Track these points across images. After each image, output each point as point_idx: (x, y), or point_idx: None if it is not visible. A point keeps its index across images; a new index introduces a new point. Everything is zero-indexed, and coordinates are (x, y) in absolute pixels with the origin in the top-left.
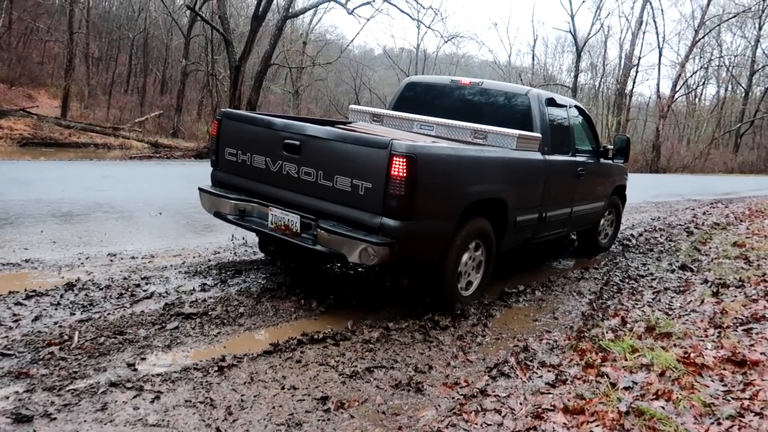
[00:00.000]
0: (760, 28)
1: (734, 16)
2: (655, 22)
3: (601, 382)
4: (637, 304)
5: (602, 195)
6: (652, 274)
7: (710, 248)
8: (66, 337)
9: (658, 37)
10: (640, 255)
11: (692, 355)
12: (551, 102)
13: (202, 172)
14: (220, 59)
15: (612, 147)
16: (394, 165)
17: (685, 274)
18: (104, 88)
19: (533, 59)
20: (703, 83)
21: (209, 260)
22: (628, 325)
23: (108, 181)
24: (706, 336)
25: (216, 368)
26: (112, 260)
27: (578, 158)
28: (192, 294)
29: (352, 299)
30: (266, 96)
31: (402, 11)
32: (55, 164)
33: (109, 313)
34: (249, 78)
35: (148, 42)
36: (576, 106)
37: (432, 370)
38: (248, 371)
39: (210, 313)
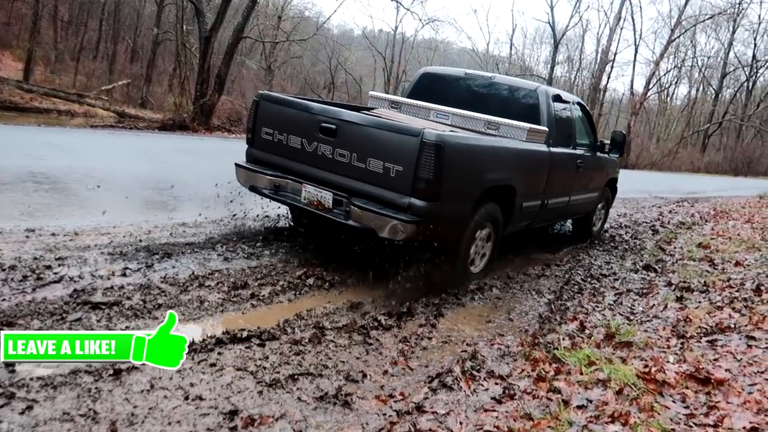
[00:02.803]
0: (733, 32)
1: (710, 18)
2: (633, 18)
3: (552, 399)
4: (597, 307)
5: (597, 186)
6: (615, 273)
7: (675, 248)
8: None
9: (635, 33)
10: (604, 252)
11: (653, 369)
12: (557, 98)
13: (160, 144)
14: (193, 30)
15: (608, 142)
16: (424, 151)
17: (648, 275)
18: (72, 54)
19: (511, 49)
20: (676, 83)
21: (140, 241)
22: (587, 331)
23: (51, 149)
24: (669, 347)
25: (111, 371)
26: (28, 236)
27: (578, 151)
28: (109, 279)
29: (298, 291)
30: (240, 71)
31: None
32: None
33: (3, 299)
34: (221, 50)
35: (119, 8)
36: (578, 103)
37: (366, 379)
38: (150, 376)
39: (124, 302)
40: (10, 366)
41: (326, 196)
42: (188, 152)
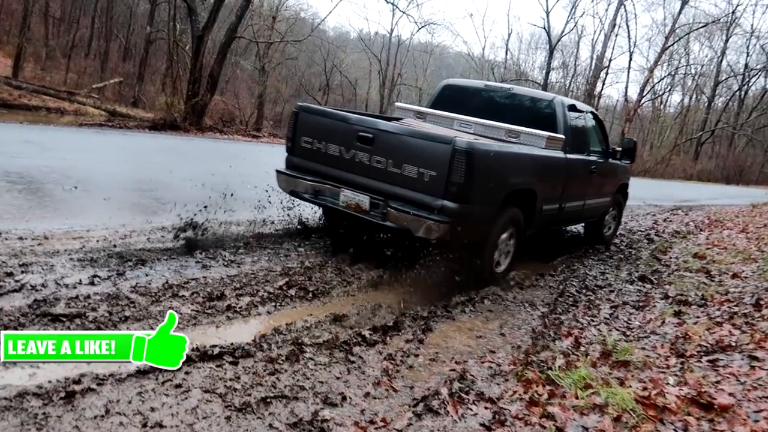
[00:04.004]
0: (726, 41)
1: (703, 26)
2: (627, 25)
3: (545, 427)
4: (593, 321)
5: (609, 191)
6: (610, 284)
7: (671, 258)
8: None
9: (629, 41)
10: (599, 262)
11: (653, 393)
12: (572, 108)
13: (147, 144)
14: (187, 29)
15: (619, 149)
16: (456, 157)
17: (644, 287)
18: (64, 51)
19: (506, 53)
20: (669, 90)
21: (114, 246)
22: (582, 348)
23: (31, 147)
24: (668, 367)
25: (64, 394)
26: None
27: (592, 158)
28: (74, 288)
29: (278, 303)
30: (234, 71)
31: None
32: None
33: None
34: (216, 50)
35: (112, 5)
36: (591, 112)
37: (345, 402)
38: (107, 399)
39: (88, 314)
40: None
41: (363, 200)
42: (175, 153)
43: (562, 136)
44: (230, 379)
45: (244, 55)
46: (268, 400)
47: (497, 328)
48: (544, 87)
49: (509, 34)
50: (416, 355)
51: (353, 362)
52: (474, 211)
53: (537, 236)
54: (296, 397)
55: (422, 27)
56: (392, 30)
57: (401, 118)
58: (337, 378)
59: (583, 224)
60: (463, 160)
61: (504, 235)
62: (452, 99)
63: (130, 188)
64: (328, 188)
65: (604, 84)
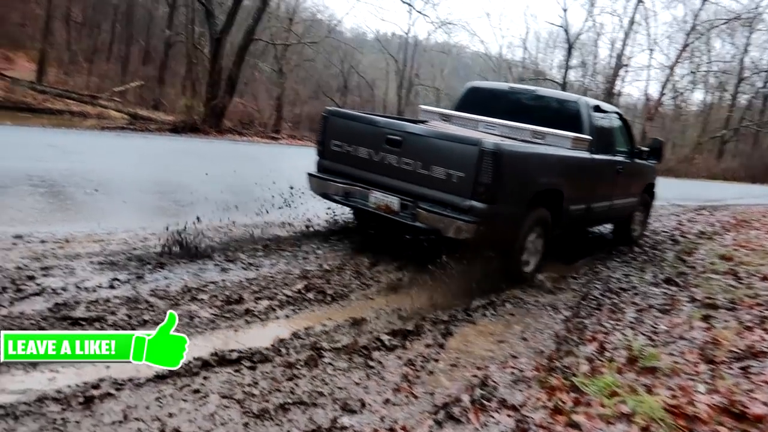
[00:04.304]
0: (749, 37)
1: (725, 23)
2: (647, 23)
3: None
4: (617, 325)
5: (636, 192)
6: (635, 287)
7: (696, 260)
8: None
9: (649, 38)
10: (623, 264)
11: (682, 401)
12: (597, 108)
13: (167, 147)
14: (205, 32)
15: (646, 149)
16: (484, 158)
17: (670, 289)
18: (86, 55)
19: (524, 53)
20: (691, 88)
21: (134, 249)
22: (607, 354)
23: (54, 151)
24: (697, 373)
25: (82, 399)
26: (15, 243)
27: (618, 158)
28: (94, 292)
29: (297, 306)
30: (252, 73)
31: None
32: (4, 129)
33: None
34: (234, 53)
35: (132, 9)
36: (616, 112)
37: (364, 409)
38: (125, 404)
39: (107, 318)
40: None
41: (393, 201)
42: (194, 155)
43: (588, 137)
44: (248, 385)
45: (262, 58)
46: (287, 406)
47: (519, 333)
48: (563, 86)
49: (526, 33)
50: (436, 361)
51: (372, 367)
52: (502, 211)
53: (561, 237)
54: (315, 403)
55: (439, 27)
56: (409, 30)
57: (427, 121)
58: (357, 384)
59: (610, 225)
60: (491, 161)
61: (532, 235)
62: (477, 101)
63: (149, 191)
64: (358, 190)
65: (623, 82)
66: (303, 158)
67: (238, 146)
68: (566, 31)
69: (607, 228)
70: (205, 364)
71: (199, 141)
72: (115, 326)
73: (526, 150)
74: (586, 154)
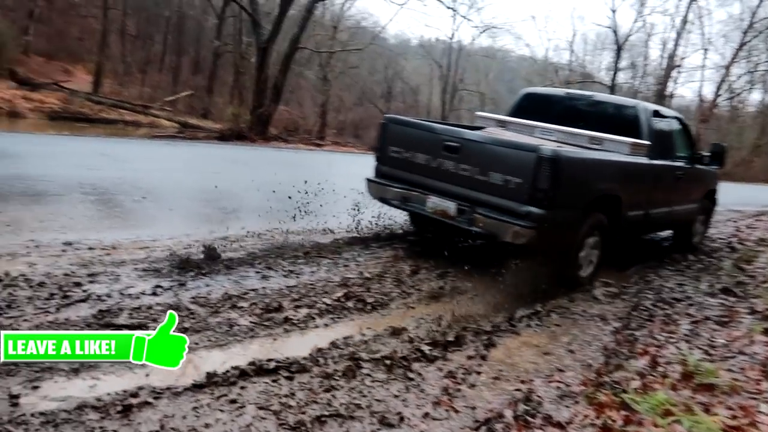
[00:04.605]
0: None
1: None
2: (701, 21)
3: None
4: (671, 338)
5: (696, 198)
6: (689, 297)
7: (756, 269)
8: None
9: (703, 37)
10: (676, 273)
11: (743, 422)
12: (656, 113)
13: (213, 154)
14: (253, 42)
15: (707, 154)
16: (542, 165)
17: (728, 300)
18: (139, 66)
19: (571, 55)
20: (749, 88)
21: (178, 256)
22: (660, 368)
23: (105, 159)
24: (759, 392)
25: (120, 408)
26: (65, 250)
27: (678, 163)
28: (137, 299)
29: (336, 315)
30: (297, 81)
31: None
32: (61, 139)
33: (25, 320)
34: (280, 61)
35: (183, 21)
36: (676, 117)
37: (403, 423)
38: (163, 413)
39: (149, 325)
40: (14, 398)
41: (450, 206)
42: (239, 162)
43: (647, 142)
44: (285, 396)
45: (307, 66)
46: (323, 418)
47: (565, 344)
48: (612, 88)
49: (573, 35)
50: (478, 373)
51: (412, 379)
52: (559, 216)
53: (620, 243)
54: (352, 416)
55: (483, 31)
56: (453, 35)
57: (483, 127)
58: (395, 396)
59: (664, 232)
60: (549, 168)
61: (589, 241)
62: (532, 107)
63: (195, 198)
64: (415, 195)
65: (676, 84)
66: (345, 165)
67: (282, 153)
68: (615, 32)
69: (659, 234)
70: (243, 374)
71: (244, 148)
72: None
73: (584, 156)
74: (644, 160)
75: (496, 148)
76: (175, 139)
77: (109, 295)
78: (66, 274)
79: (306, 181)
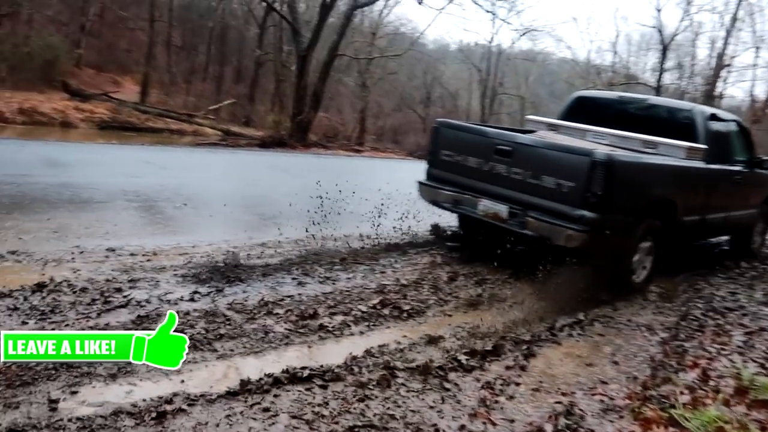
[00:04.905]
0: None
1: None
2: (752, 19)
3: None
4: (723, 350)
5: (756, 203)
6: (743, 307)
7: None
8: None
9: (754, 35)
10: (728, 280)
11: None
12: (713, 117)
13: (253, 161)
14: (293, 50)
15: (767, 158)
16: (595, 169)
17: None
18: (184, 76)
19: (614, 56)
20: None
21: (216, 262)
22: (712, 382)
23: (148, 167)
24: None
25: (155, 414)
26: (107, 256)
27: (736, 168)
28: (175, 305)
29: (372, 323)
30: (337, 88)
31: (475, 2)
32: (109, 148)
33: (66, 324)
34: (320, 69)
35: (226, 32)
36: (734, 120)
37: None
38: (196, 420)
39: (186, 331)
40: (53, 402)
41: (502, 209)
42: (278, 169)
43: (704, 146)
44: (318, 405)
45: (346, 72)
46: (356, 429)
47: (609, 355)
48: (657, 89)
49: (617, 36)
50: (517, 384)
51: (448, 390)
52: (612, 221)
53: (674, 248)
54: (386, 427)
55: (523, 34)
56: (492, 39)
57: (534, 131)
58: (431, 407)
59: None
60: (603, 172)
61: (642, 246)
62: (584, 110)
63: (235, 204)
64: (467, 198)
65: (725, 84)
66: (383, 170)
67: (320, 159)
68: (660, 32)
69: (710, 240)
70: (276, 382)
71: (284, 155)
72: (191, 340)
73: (639, 160)
74: (701, 164)
75: (549, 152)
76: (217, 146)
77: (148, 301)
78: (108, 280)
79: (345, 188)
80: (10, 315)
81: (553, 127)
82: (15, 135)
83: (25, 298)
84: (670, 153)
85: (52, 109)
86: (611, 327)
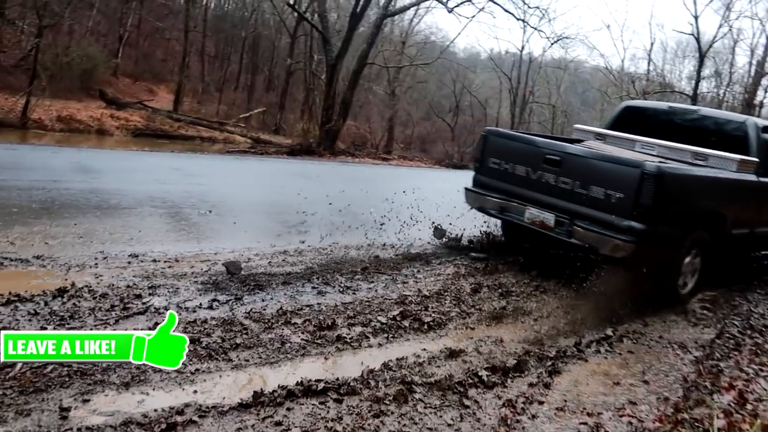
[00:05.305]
0: None
1: None
2: None
3: None
4: (762, 371)
5: None
6: None
7: None
8: (9, 362)
9: None
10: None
11: None
12: (766, 129)
13: (280, 168)
14: (323, 59)
15: None
16: (645, 180)
17: None
18: (217, 85)
19: (649, 64)
20: None
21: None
22: (749, 406)
23: (176, 174)
24: None
25: (165, 425)
26: (130, 262)
27: None
28: (194, 312)
29: (391, 334)
30: (366, 96)
31: (506, 10)
32: (140, 155)
33: (83, 330)
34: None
35: (258, 42)
36: None
37: None
38: None
39: (202, 340)
40: (64, 410)
41: (549, 217)
42: (304, 177)
43: (755, 159)
44: (332, 420)
45: (376, 81)
46: None
47: (639, 374)
48: (694, 98)
49: (652, 44)
50: (541, 403)
51: (467, 407)
52: (660, 232)
53: (724, 260)
54: None
55: (555, 42)
56: (523, 47)
57: (582, 140)
58: (448, 425)
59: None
60: (652, 184)
61: (690, 257)
62: (632, 121)
63: (259, 212)
64: (514, 206)
65: (766, 92)
66: (407, 179)
67: (347, 167)
68: (698, 39)
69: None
70: (290, 394)
71: (311, 163)
72: (207, 349)
73: (689, 173)
74: (752, 177)
75: (599, 162)
76: (246, 154)
77: (167, 308)
78: (128, 286)
79: (370, 196)
80: (30, 320)
81: (600, 137)
82: (53, 142)
83: (46, 303)
84: (721, 165)
85: (89, 117)
86: (641, 344)
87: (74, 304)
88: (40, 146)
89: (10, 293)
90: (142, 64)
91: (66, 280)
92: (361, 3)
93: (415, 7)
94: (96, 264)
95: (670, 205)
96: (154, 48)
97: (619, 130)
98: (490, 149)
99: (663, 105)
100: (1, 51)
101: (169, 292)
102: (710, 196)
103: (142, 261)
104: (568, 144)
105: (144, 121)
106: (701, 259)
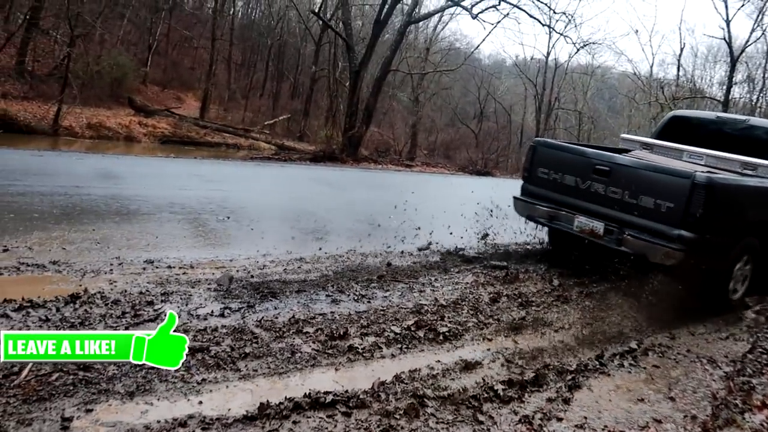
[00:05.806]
0: None
1: None
2: None
3: None
4: None
5: None
6: None
7: None
8: (15, 369)
9: None
10: None
11: None
12: None
13: (302, 175)
14: (347, 66)
15: None
16: (695, 191)
17: None
18: (243, 92)
19: (679, 70)
20: None
21: (251, 276)
22: None
23: (197, 180)
24: None
25: None
26: (145, 268)
27: None
28: (205, 320)
29: (405, 345)
30: (390, 103)
31: (531, 16)
32: (164, 161)
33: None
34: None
35: (283, 49)
36: None
37: None
38: None
39: (211, 348)
40: (66, 420)
41: (598, 226)
42: (325, 183)
43: None
44: None
45: (400, 88)
46: None
47: (664, 390)
48: (725, 104)
49: (681, 49)
50: (559, 419)
51: (481, 422)
52: (711, 241)
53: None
54: None
55: (581, 48)
56: (549, 53)
57: (629, 150)
58: None
59: None
60: (703, 194)
61: (740, 264)
62: (679, 130)
63: (277, 218)
64: (563, 214)
65: None
66: (429, 186)
67: (369, 174)
68: (729, 44)
69: None
70: (297, 407)
71: (333, 169)
72: (215, 358)
73: (740, 183)
74: None
75: (649, 173)
76: (269, 160)
77: (178, 315)
78: (141, 293)
79: (388, 203)
80: (40, 326)
81: (647, 147)
82: (82, 148)
83: (58, 309)
84: None
85: (118, 124)
86: (668, 358)
87: (86, 310)
88: (68, 152)
89: (23, 299)
90: (171, 73)
91: (80, 285)
92: (384, 10)
93: (440, 14)
94: (111, 270)
95: (720, 215)
96: (182, 56)
97: (666, 140)
98: (538, 159)
99: (710, 114)
100: (35, 60)
101: (181, 299)
102: (760, 206)
103: (157, 267)
104: (617, 154)
105: (171, 128)
106: (751, 265)
